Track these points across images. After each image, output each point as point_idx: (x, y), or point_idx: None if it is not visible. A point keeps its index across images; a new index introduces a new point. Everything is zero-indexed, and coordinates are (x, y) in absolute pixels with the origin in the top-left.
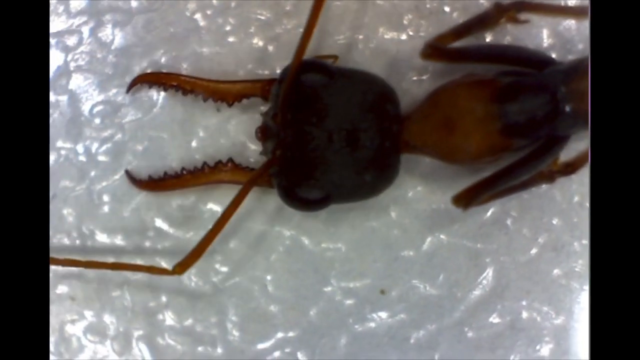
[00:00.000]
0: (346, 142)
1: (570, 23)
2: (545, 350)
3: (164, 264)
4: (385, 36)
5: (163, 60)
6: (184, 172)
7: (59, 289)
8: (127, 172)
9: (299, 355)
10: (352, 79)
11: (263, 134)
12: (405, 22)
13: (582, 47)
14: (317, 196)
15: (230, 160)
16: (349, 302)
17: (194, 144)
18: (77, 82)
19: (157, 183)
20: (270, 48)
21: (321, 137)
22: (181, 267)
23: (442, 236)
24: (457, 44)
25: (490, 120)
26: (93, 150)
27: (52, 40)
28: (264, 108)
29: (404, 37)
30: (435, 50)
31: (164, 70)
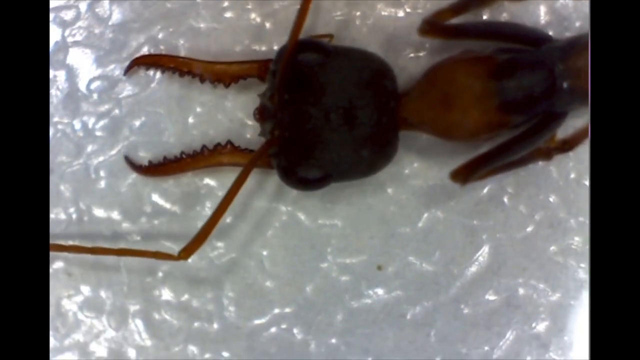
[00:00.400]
0: (344, 120)
1: (567, 0)
2: (541, 327)
3: (161, 240)
4: (383, 12)
5: (160, 35)
6: (183, 155)
7: (55, 265)
8: (127, 158)
9: (295, 331)
10: (349, 57)
11: (261, 115)
12: None
13: (580, 24)
14: (316, 175)
15: (229, 142)
16: (345, 278)
17: (190, 119)
18: (74, 57)
19: (157, 168)
20: (267, 24)
21: (319, 116)
22: (186, 252)
23: (438, 213)
24: (455, 20)
25: (488, 97)
26: (90, 125)
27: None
28: (261, 87)
29: (401, 13)
30: (433, 26)
31: (161, 46)
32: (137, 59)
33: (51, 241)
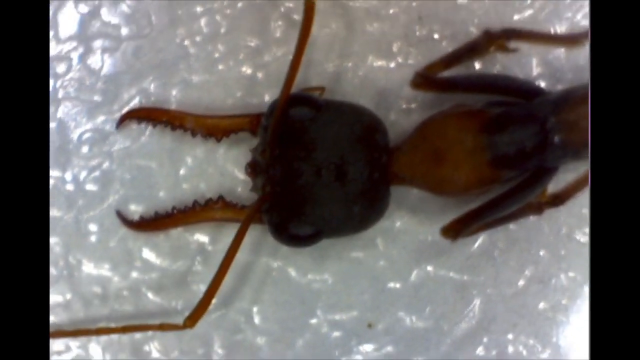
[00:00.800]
0: (335, 176)
1: (560, 52)
2: None
3: (151, 295)
4: (374, 64)
5: (152, 87)
6: (175, 211)
7: None
8: (118, 213)
9: None
10: (340, 112)
11: (252, 170)
12: (394, 49)
13: (571, 76)
14: (308, 232)
15: (221, 197)
16: (335, 334)
17: (182, 172)
18: (65, 109)
19: (148, 223)
20: (259, 76)
21: (310, 172)
22: (191, 320)
23: (429, 268)
24: (447, 73)
25: (480, 152)
26: (81, 178)
27: None
28: (253, 141)
29: (393, 65)
30: (425, 79)
31: (153, 98)
32: (128, 112)
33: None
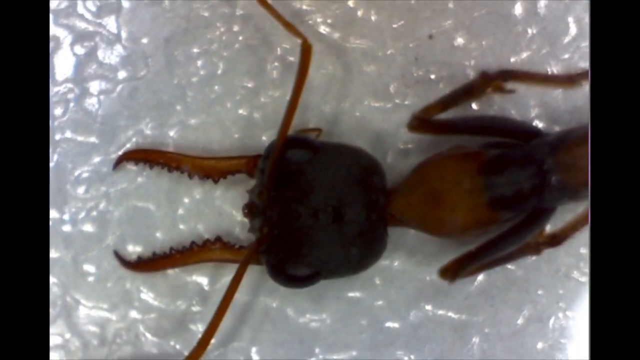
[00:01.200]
0: (333, 219)
1: (557, 93)
2: None
3: (149, 336)
4: (371, 105)
5: (149, 128)
6: (173, 251)
7: None
8: (116, 253)
9: None
10: (337, 154)
11: (250, 211)
12: (391, 90)
13: (569, 117)
14: (305, 273)
15: (219, 238)
16: None
17: (179, 212)
18: (62, 151)
19: (146, 264)
20: (256, 117)
21: (307, 214)
22: None
23: (427, 307)
24: (444, 114)
25: (477, 193)
26: (78, 219)
27: None
28: (250, 182)
29: (390, 105)
30: (422, 122)
31: (150, 140)
32: (125, 154)
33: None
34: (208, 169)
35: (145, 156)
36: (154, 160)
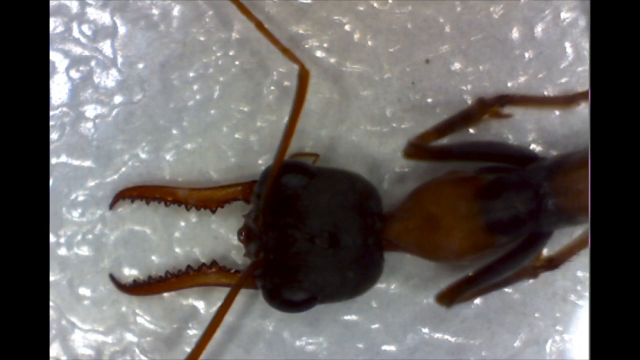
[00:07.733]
0: (329, 244)
1: (554, 117)
2: None
3: (145, 359)
4: (368, 129)
5: (145, 152)
6: (169, 275)
7: None
8: (112, 277)
9: None
10: (333, 179)
11: (246, 236)
12: (388, 115)
13: (566, 141)
14: (301, 298)
15: (214, 262)
16: None
17: (176, 235)
18: (58, 174)
19: (142, 287)
20: (253, 141)
21: (303, 239)
22: None
23: (424, 330)
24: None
25: (474, 218)
26: (74, 242)
27: None
28: (246, 207)
29: (386, 130)
30: (418, 149)
31: (145, 164)
32: (121, 192)
33: None
34: (205, 199)
35: (141, 193)
36: (150, 195)
